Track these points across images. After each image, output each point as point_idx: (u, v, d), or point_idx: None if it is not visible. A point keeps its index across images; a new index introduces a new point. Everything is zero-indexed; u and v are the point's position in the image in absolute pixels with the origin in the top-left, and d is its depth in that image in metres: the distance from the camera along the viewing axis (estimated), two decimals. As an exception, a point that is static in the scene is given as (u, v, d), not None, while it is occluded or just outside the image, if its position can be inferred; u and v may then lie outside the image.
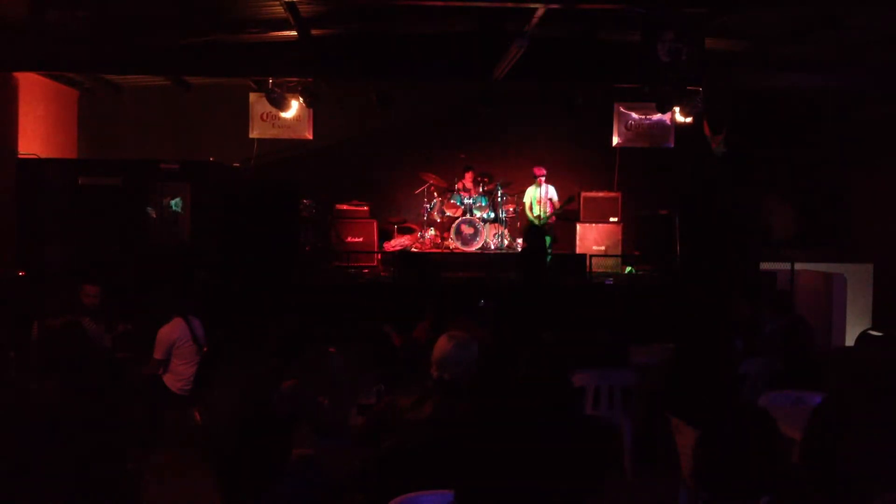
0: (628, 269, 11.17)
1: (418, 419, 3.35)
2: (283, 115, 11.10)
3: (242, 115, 11.46)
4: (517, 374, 3.24)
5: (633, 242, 11.73)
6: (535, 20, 7.48)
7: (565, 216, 11.56)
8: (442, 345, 3.52)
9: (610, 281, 10.13)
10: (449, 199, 11.42)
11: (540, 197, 11.18)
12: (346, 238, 11.23)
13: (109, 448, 3.35)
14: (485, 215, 11.33)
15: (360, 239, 11.24)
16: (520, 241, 11.45)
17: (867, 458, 1.57)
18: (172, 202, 8.97)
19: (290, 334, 5.71)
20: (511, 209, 11.58)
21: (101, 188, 8.88)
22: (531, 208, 11.31)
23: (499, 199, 11.45)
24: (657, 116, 11.46)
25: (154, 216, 8.97)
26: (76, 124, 11.38)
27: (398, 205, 12.09)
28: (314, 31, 8.91)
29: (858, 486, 1.59)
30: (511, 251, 11.29)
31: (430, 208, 11.43)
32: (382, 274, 10.65)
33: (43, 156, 9.54)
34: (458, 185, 11.46)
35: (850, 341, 8.95)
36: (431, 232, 11.37)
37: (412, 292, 7.24)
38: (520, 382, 3.16)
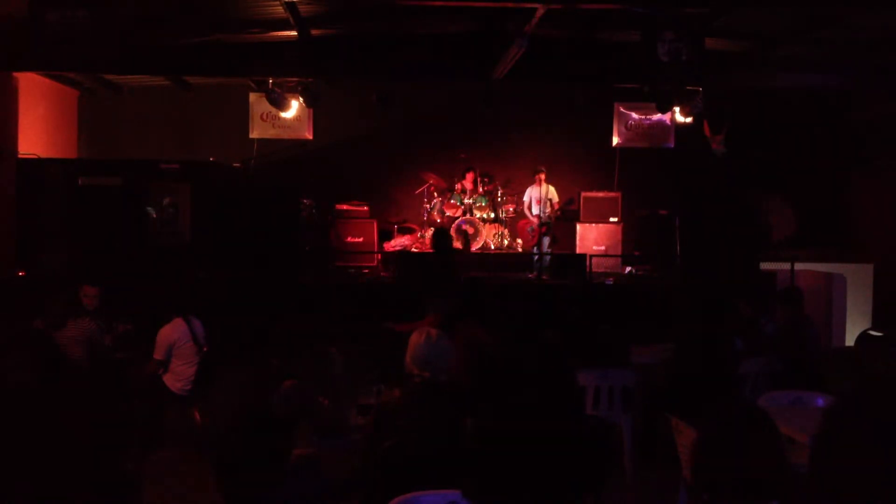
0: (628, 269, 11.17)
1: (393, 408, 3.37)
2: (283, 115, 11.08)
3: (242, 115, 11.45)
4: (519, 373, 3.25)
5: (633, 242, 11.73)
6: (535, 20, 7.48)
7: (565, 217, 11.56)
8: (416, 340, 3.54)
9: (610, 281, 10.12)
10: (449, 199, 11.41)
11: (540, 197, 11.18)
12: (346, 238, 11.22)
13: (109, 448, 3.35)
14: (485, 215, 11.33)
15: (360, 239, 11.23)
16: (520, 241, 11.47)
17: (879, 465, 1.55)
18: (172, 202, 8.96)
19: (291, 334, 5.72)
20: (511, 209, 11.57)
21: (101, 188, 8.87)
22: (530, 208, 11.30)
23: (499, 199, 11.44)
24: (657, 116, 11.45)
25: (154, 216, 8.96)
26: (76, 124, 11.38)
27: (398, 205, 12.08)
28: (314, 31, 8.90)
29: (871, 493, 1.57)
30: (511, 251, 11.29)
31: (431, 208, 11.43)
32: (382, 274, 10.64)
33: (43, 156, 9.53)
34: (459, 186, 11.46)
35: (850, 341, 8.95)
36: (431, 232, 11.35)
37: (412, 292, 7.24)
38: (522, 381, 3.17)
